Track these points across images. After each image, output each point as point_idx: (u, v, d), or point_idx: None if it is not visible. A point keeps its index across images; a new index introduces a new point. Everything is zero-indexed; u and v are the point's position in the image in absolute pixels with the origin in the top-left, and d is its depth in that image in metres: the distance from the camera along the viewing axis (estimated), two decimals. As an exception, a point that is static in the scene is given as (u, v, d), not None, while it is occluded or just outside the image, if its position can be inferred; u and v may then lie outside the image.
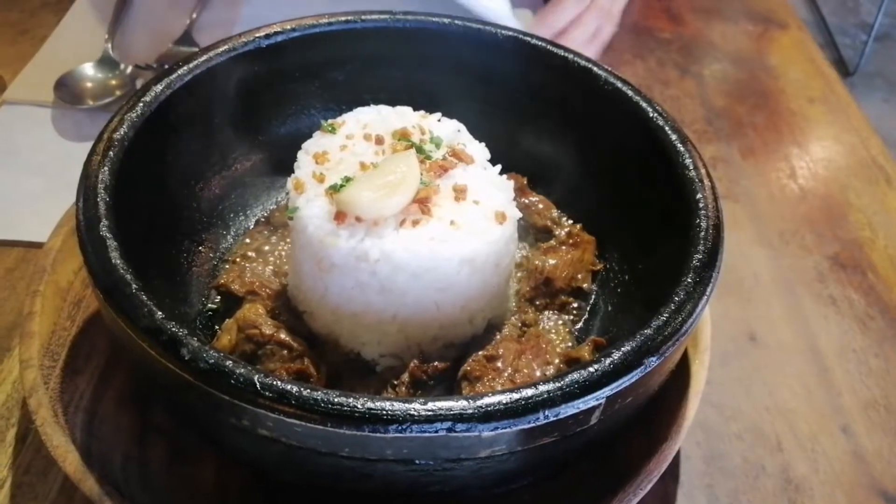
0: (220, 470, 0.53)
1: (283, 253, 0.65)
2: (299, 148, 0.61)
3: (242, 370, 0.41)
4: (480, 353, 0.56)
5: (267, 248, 0.66)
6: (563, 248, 0.66)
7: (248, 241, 0.67)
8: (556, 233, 0.67)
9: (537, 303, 0.63)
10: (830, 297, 0.75)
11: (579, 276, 0.64)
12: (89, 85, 0.89)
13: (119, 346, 0.51)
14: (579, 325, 0.63)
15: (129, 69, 0.91)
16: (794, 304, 0.74)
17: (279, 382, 0.40)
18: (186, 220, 0.65)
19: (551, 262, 0.65)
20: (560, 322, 0.63)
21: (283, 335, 0.55)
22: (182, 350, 0.42)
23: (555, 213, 0.69)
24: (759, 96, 1.00)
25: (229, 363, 0.41)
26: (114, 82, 0.89)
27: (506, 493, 0.49)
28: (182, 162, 0.64)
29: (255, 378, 0.40)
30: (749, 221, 0.83)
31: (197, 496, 0.52)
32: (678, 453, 0.60)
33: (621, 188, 0.65)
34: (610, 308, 0.63)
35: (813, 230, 0.83)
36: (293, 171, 0.59)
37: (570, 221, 0.69)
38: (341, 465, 0.42)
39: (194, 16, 1.00)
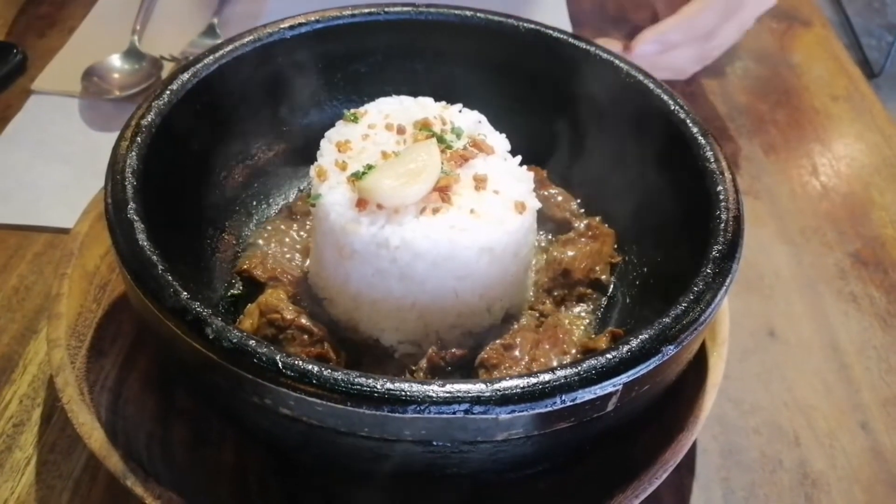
0: (240, 452, 0.54)
1: (305, 241, 0.66)
2: (321, 138, 0.62)
3: (265, 349, 0.41)
4: (498, 341, 0.56)
5: (289, 236, 0.67)
6: (582, 240, 0.66)
7: (269, 228, 0.68)
8: (576, 225, 0.68)
9: (555, 294, 0.63)
10: (851, 294, 0.75)
11: (598, 268, 0.64)
12: (116, 76, 0.91)
13: (145, 327, 0.52)
14: (597, 316, 0.63)
15: (156, 61, 0.92)
16: (815, 301, 0.74)
17: (301, 362, 0.41)
18: (210, 208, 0.66)
19: (570, 253, 0.65)
20: (578, 313, 0.63)
21: (303, 320, 0.56)
22: (207, 329, 0.42)
23: (574, 205, 0.69)
24: (781, 93, 0.99)
25: (252, 342, 0.42)
26: (140, 73, 0.91)
27: (521, 479, 0.49)
28: (206, 150, 0.65)
29: (278, 357, 0.41)
30: (770, 218, 0.82)
31: (217, 477, 0.52)
32: (694, 446, 0.60)
33: (641, 181, 0.65)
34: (628, 300, 0.63)
35: (835, 227, 0.82)
36: (315, 161, 0.60)
37: (590, 214, 0.69)
38: (360, 445, 0.42)
39: (219, 9, 1.02)
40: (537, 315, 0.62)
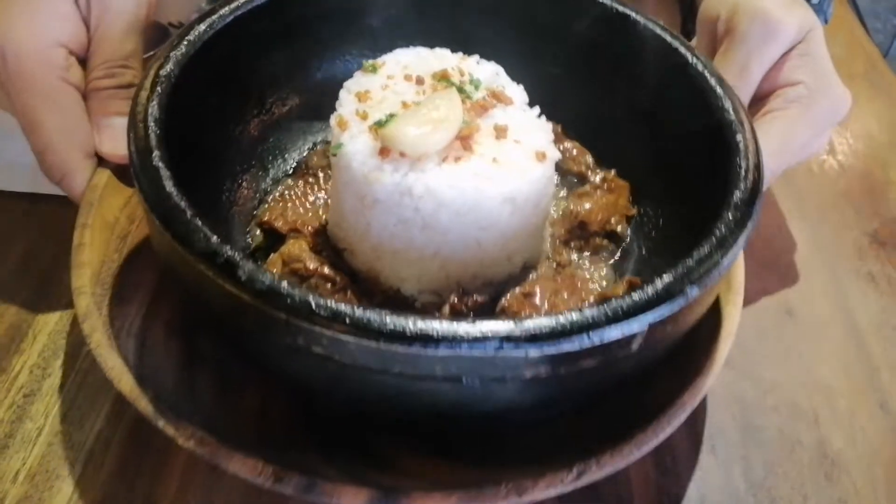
0: (265, 399, 0.54)
1: (322, 194, 0.67)
2: (334, 94, 0.62)
3: (298, 291, 0.42)
4: (517, 289, 0.57)
5: (306, 190, 0.67)
6: (598, 192, 0.67)
7: (287, 182, 0.68)
8: (591, 178, 0.68)
9: (572, 245, 0.64)
10: (869, 274, 0.74)
11: (613, 219, 0.65)
12: None
13: (170, 274, 0.53)
14: (613, 266, 0.64)
15: (163, 29, 0.88)
16: (833, 280, 0.73)
17: (333, 302, 0.41)
18: (227, 161, 0.66)
19: (586, 206, 0.65)
20: (594, 263, 0.64)
21: (326, 269, 0.57)
22: (238, 272, 0.43)
23: (589, 159, 0.69)
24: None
25: (285, 284, 0.42)
26: (146, 43, 0.87)
27: (544, 421, 0.50)
28: (222, 103, 0.65)
29: (311, 298, 0.41)
30: (787, 197, 0.82)
31: (244, 422, 0.53)
32: (712, 421, 0.60)
33: (657, 134, 0.66)
34: (644, 251, 0.64)
35: (852, 206, 0.82)
36: (329, 117, 0.60)
37: (605, 169, 0.69)
38: (391, 383, 0.43)
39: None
40: (554, 265, 0.62)
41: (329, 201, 0.65)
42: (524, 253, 0.59)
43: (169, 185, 0.48)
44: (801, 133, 0.66)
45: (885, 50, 3.16)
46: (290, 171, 0.70)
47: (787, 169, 0.69)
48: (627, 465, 0.47)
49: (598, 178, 0.68)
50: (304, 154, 0.72)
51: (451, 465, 0.49)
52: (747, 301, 0.65)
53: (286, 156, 0.72)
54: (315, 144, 0.73)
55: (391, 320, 0.41)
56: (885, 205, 0.82)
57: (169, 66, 0.57)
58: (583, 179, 0.68)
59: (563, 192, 0.69)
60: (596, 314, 0.42)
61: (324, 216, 0.64)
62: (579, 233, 0.64)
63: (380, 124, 0.54)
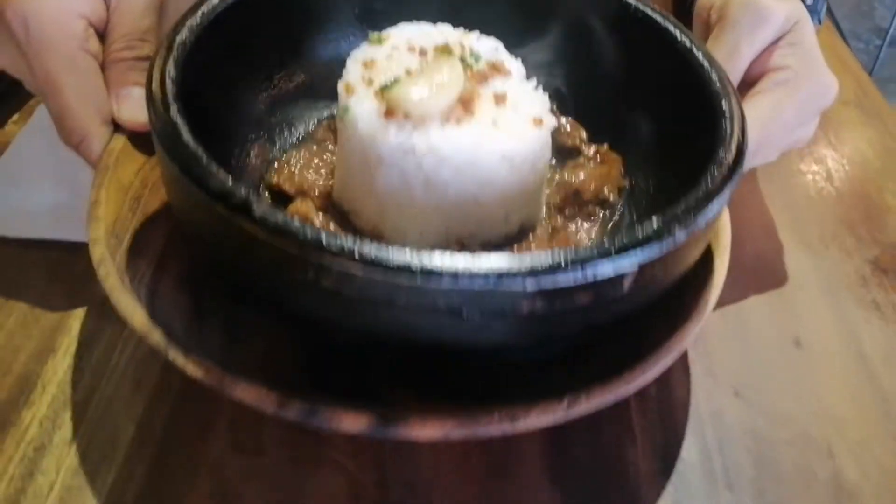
0: (270, 346, 0.57)
1: (328, 164, 0.69)
2: (337, 73, 0.65)
3: (310, 227, 0.45)
4: (514, 248, 0.60)
5: (312, 159, 0.70)
6: (591, 163, 0.70)
7: (293, 153, 0.71)
8: (585, 151, 0.71)
9: (566, 212, 0.67)
10: (874, 302, 0.74)
11: (606, 189, 0.68)
12: None
13: (186, 222, 0.55)
14: (607, 231, 0.67)
15: None
16: (838, 309, 0.73)
17: (342, 238, 0.44)
18: (236, 131, 0.69)
19: (581, 176, 0.69)
20: (588, 229, 0.67)
21: (332, 227, 0.59)
22: (254, 210, 0.46)
23: (583, 133, 0.73)
24: None
25: (297, 221, 0.45)
26: None
27: (541, 362, 0.53)
28: (233, 74, 0.68)
29: (322, 233, 0.44)
30: (787, 225, 0.82)
31: (249, 366, 0.55)
32: (727, 460, 0.61)
33: (647, 109, 0.69)
34: (636, 217, 0.67)
35: (852, 233, 0.82)
36: (333, 92, 0.63)
37: (598, 143, 0.73)
38: (395, 317, 0.46)
39: None
40: (549, 229, 0.65)
41: (335, 169, 0.67)
42: (521, 213, 0.62)
43: (186, 135, 0.51)
44: (786, 112, 0.69)
45: (869, 71, 3.24)
46: (297, 143, 0.73)
47: (776, 151, 0.72)
48: (616, 400, 0.49)
49: (591, 151, 0.71)
50: (311, 128, 0.75)
51: (449, 404, 0.51)
52: (754, 332, 0.68)
53: (293, 129, 0.75)
54: (320, 121, 0.76)
55: (397, 254, 0.44)
56: (884, 231, 0.82)
57: (184, 33, 0.60)
58: (577, 153, 0.72)
59: (558, 164, 0.72)
60: (591, 252, 0.45)
61: (330, 182, 0.67)
62: (574, 201, 0.67)
63: (385, 88, 0.57)
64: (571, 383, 0.49)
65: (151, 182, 0.67)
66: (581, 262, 0.44)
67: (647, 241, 0.46)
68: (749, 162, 0.67)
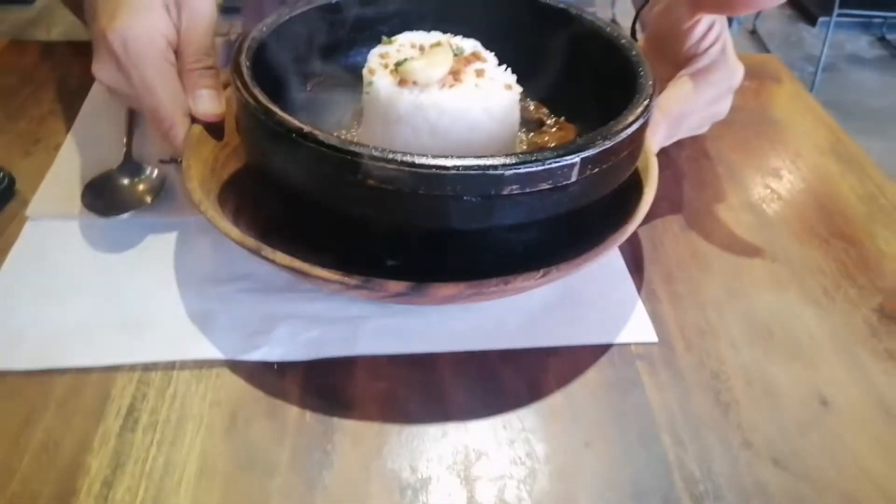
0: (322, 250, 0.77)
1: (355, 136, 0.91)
2: (356, 83, 0.88)
3: (359, 144, 0.66)
4: (498, 180, 0.82)
5: (341, 133, 0.92)
6: (553, 130, 0.93)
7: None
8: (547, 122, 0.94)
9: (535, 163, 0.89)
10: (887, 351, 0.75)
11: (564, 144, 0.90)
12: (117, 192, 0.87)
13: (259, 156, 0.76)
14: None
15: (155, 171, 0.91)
16: (855, 363, 0.74)
17: (383, 149, 0.66)
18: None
19: (545, 139, 0.91)
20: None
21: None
22: (319, 136, 0.67)
23: (545, 109, 0.96)
24: (774, 155, 1.05)
25: (349, 140, 0.67)
26: (141, 187, 0.89)
27: (523, 246, 0.73)
28: (280, 79, 0.91)
29: (370, 146, 0.66)
30: (791, 280, 0.84)
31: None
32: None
33: (592, 90, 0.92)
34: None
35: (853, 284, 0.83)
36: (352, 98, 0.86)
37: (556, 116, 0.96)
38: (419, 203, 0.67)
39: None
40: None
41: (359, 136, 0.90)
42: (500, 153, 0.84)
43: (263, 98, 0.73)
44: (703, 89, 0.93)
45: (807, 98, 3.55)
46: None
47: (700, 121, 0.94)
48: (578, 270, 0.70)
49: (552, 122, 0.94)
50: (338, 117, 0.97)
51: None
52: (781, 396, 0.70)
53: (322, 119, 0.97)
54: (339, 121, 0.98)
55: (421, 158, 0.65)
56: (883, 278, 0.83)
57: (249, 41, 0.83)
58: (542, 123, 0.95)
59: (526, 134, 0.95)
60: (547, 153, 0.67)
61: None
62: (540, 154, 0.90)
63: (398, 63, 0.80)
64: (546, 262, 0.71)
65: (223, 158, 0.88)
66: (541, 159, 0.66)
67: (585, 145, 0.68)
68: (679, 129, 0.92)
